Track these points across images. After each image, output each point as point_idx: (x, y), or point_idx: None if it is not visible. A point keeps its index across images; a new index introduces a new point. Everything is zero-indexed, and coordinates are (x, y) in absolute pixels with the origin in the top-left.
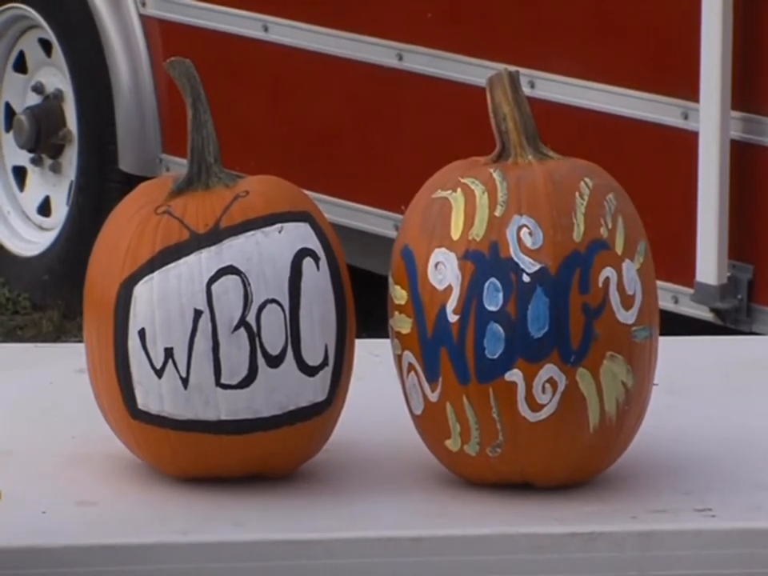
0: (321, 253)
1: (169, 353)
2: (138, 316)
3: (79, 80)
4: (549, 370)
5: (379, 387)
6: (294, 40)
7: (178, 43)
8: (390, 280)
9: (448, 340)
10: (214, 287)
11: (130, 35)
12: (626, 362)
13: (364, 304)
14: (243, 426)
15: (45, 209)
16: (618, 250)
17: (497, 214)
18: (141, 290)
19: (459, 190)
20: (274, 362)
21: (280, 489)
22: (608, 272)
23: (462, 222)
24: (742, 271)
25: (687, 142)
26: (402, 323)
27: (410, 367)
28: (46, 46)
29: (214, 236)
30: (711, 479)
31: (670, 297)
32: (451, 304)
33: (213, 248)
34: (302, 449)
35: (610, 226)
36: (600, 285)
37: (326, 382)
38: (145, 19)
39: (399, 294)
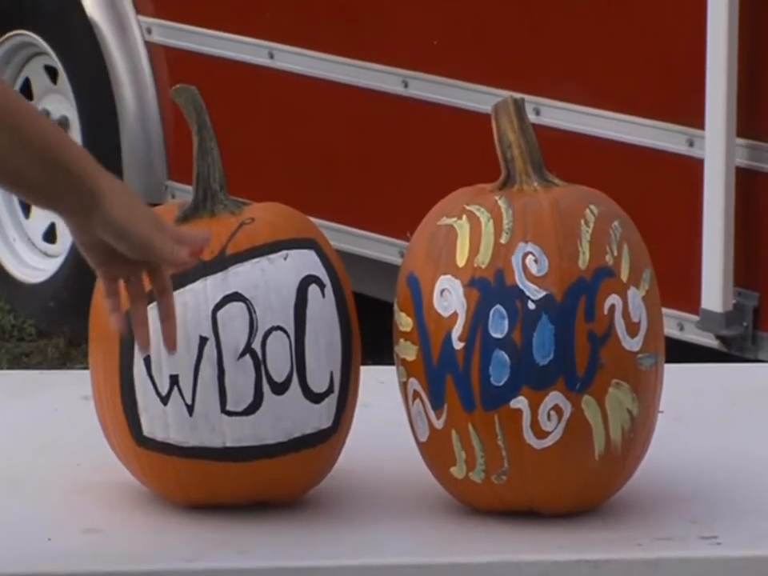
0: (326, 280)
1: (174, 380)
2: None
3: (85, 107)
4: (554, 398)
5: (384, 414)
6: (299, 67)
7: (184, 70)
8: (396, 307)
9: (453, 367)
10: (219, 314)
11: (135, 62)
12: (632, 390)
13: (369, 331)
14: (248, 453)
15: (50, 236)
16: (624, 277)
17: (502, 241)
18: None
19: (464, 217)
20: (280, 389)
21: (285, 516)
22: (613, 299)
23: (468, 249)
24: (747, 298)
25: (692, 169)
26: (408, 350)
27: (416, 394)
28: (51, 73)
29: (220, 263)
30: (717, 507)
31: (676, 324)
32: (456, 331)
33: (218, 275)
34: (307, 476)
35: (615, 253)
36: (605, 312)
37: (331, 409)
38: (150, 46)
39: (405, 321)
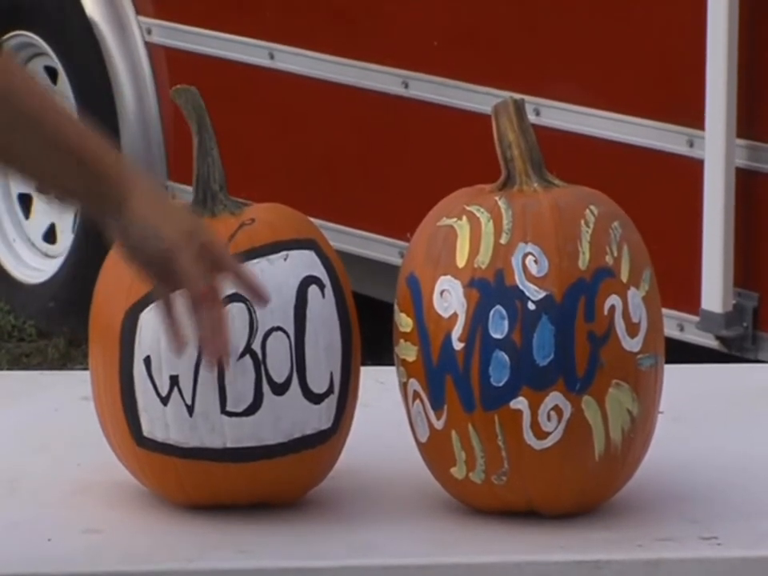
0: (326, 280)
1: (174, 380)
2: (144, 344)
3: (85, 108)
4: (554, 398)
5: (384, 415)
6: (299, 68)
7: (184, 71)
8: (396, 308)
9: (453, 368)
10: None
11: (135, 63)
12: (632, 390)
13: (369, 331)
14: (248, 453)
15: (50, 236)
16: (624, 277)
17: (502, 241)
18: (146, 318)
19: (464, 217)
20: (280, 389)
21: (285, 516)
22: (613, 300)
23: (468, 249)
24: (747, 299)
25: (692, 169)
26: (408, 351)
27: (416, 395)
28: (51, 73)
29: None
30: (717, 507)
31: (676, 324)
32: (456, 332)
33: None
34: (307, 476)
35: (615, 253)
36: (605, 313)
37: (331, 410)
38: (150, 47)
39: (405, 322)
